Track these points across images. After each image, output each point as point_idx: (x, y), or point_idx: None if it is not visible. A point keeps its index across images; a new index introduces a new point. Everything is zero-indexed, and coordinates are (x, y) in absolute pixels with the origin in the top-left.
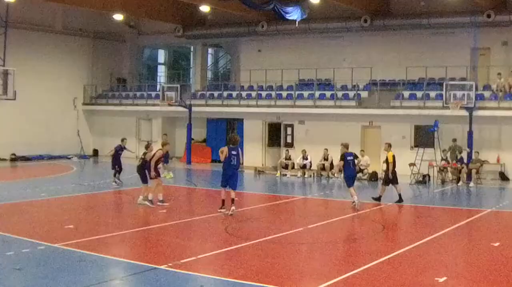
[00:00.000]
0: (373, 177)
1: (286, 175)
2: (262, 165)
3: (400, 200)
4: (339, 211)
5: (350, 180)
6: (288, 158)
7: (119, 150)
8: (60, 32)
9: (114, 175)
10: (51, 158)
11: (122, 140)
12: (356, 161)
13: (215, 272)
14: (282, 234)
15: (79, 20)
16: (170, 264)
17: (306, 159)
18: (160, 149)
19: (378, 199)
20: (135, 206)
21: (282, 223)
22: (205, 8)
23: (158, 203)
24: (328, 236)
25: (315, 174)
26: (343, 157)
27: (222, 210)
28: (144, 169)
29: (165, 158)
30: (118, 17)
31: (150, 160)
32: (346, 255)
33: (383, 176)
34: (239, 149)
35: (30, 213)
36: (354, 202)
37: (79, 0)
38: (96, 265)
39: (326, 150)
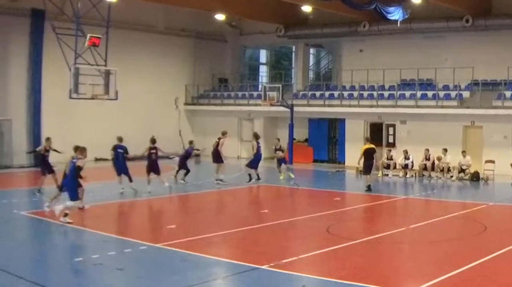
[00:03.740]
0: (475, 176)
1: (388, 174)
2: None
3: (369, 189)
4: (441, 211)
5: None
6: (390, 158)
7: (190, 152)
8: (162, 32)
9: (185, 175)
10: None
11: (190, 142)
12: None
13: (317, 272)
14: (383, 234)
15: (181, 20)
16: (272, 264)
17: (408, 158)
18: (222, 137)
19: (368, 188)
20: (237, 207)
21: (384, 223)
22: (307, 8)
23: (217, 181)
24: (430, 236)
25: (417, 174)
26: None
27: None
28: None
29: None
30: (220, 17)
31: (217, 147)
32: (448, 255)
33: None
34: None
35: (132, 213)
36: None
37: (181, 0)
38: (198, 265)
39: (427, 150)
